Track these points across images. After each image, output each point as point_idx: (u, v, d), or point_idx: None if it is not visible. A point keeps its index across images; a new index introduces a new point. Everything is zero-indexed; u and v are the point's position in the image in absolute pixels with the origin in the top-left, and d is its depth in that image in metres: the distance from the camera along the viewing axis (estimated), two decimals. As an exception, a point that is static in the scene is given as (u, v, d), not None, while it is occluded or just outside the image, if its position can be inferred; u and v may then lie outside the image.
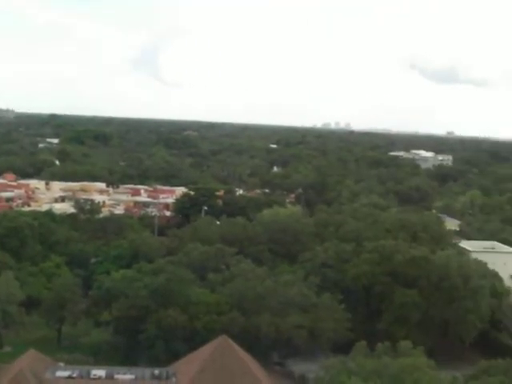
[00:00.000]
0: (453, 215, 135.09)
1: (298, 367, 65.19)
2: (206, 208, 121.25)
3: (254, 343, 62.81)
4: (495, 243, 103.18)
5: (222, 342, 57.16)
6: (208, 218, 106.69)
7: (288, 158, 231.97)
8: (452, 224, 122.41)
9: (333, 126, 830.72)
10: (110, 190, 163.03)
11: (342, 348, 57.97)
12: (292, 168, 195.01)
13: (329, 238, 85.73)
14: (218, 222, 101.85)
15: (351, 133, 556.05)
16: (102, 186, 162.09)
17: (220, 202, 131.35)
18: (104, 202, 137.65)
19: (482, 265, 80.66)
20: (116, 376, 55.00)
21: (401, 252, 74.24)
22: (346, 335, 65.25)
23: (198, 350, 58.25)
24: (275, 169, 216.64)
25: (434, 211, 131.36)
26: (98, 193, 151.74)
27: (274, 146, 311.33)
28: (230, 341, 57.35)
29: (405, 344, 49.54)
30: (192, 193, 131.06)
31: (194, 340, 61.96)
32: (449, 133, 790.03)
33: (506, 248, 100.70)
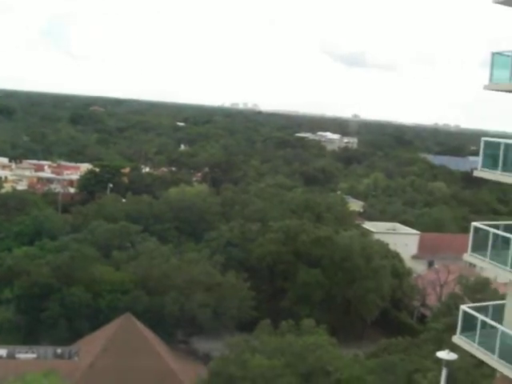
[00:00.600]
0: (357, 197, 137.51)
1: (203, 345, 65.32)
2: (111, 185, 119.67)
3: (158, 322, 62.52)
4: (397, 225, 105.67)
5: (126, 320, 56.76)
6: (113, 195, 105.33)
7: (195, 137, 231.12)
8: (356, 205, 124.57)
9: (241, 105, 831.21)
10: (13, 165, 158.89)
11: (247, 326, 58.34)
12: (199, 147, 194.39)
13: (235, 217, 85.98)
14: (123, 200, 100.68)
15: (259, 113, 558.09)
16: (3, 160, 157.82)
17: (126, 179, 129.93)
18: (6, 178, 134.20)
19: (384, 245, 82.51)
20: (17, 355, 53.91)
21: (305, 232, 75.11)
22: (251, 314, 65.68)
23: (101, 329, 57.65)
24: (182, 147, 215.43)
25: (338, 192, 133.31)
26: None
27: (182, 124, 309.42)
28: (134, 319, 56.98)
29: (308, 322, 50.21)
30: (97, 169, 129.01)
31: (97, 318, 61.17)
32: (354, 115, 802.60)
33: (407, 229, 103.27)
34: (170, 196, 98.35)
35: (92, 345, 55.69)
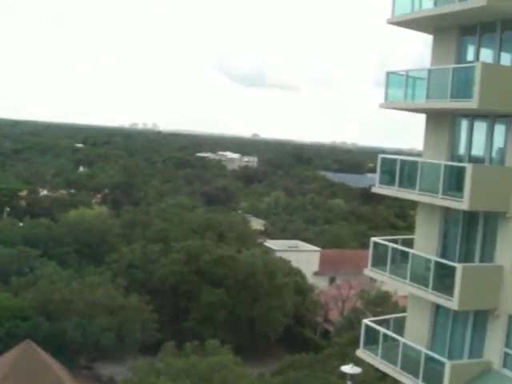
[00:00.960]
0: (258, 215, 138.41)
1: (106, 370, 64.20)
2: (8, 209, 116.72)
3: (60, 348, 61.10)
4: (298, 242, 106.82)
5: (26, 347, 55.16)
6: (10, 219, 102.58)
7: (94, 158, 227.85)
8: (257, 224, 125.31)
9: (140, 126, 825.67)
10: None
11: (150, 349, 57.70)
12: (98, 168, 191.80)
13: (136, 239, 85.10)
14: (21, 224, 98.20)
15: (158, 133, 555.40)
16: None
17: (23, 202, 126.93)
18: None
19: (287, 263, 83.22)
20: None
21: (208, 251, 75.02)
22: (154, 336, 65.03)
23: (0, 357, 55.92)
24: (81, 168, 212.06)
25: (239, 211, 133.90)
26: None
27: (80, 145, 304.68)
28: (35, 345, 55.44)
29: (212, 343, 50.09)
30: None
31: (-5, 347, 59.35)
32: (254, 135, 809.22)
33: (308, 246, 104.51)
34: (70, 219, 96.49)
35: (-9, 374, 53.89)
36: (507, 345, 24.93)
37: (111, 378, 60.54)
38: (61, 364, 57.63)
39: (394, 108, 29.51)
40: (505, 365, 25.02)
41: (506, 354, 24.92)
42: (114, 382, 55.65)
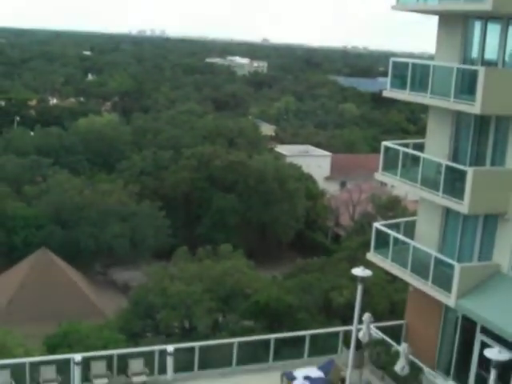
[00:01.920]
0: (268, 121, 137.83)
1: (121, 275, 65.26)
2: (18, 119, 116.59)
3: (74, 255, 62.09)
4: (309, 147, 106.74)
5: (42, 254, 56.12)
6: (21, 128, 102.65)
7: (103, 66, 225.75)
8: (268, 129, 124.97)
9: (148, 32, 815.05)
10: None
11: (164, 255, 58.47)
12: (107, 76, 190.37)
13: (147, 146, 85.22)
14: (32, 133, 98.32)
15: (167, 40, 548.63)
16: None
17: (33, 112, 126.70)
18: None
19: (298, 168, 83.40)
20: None
21: (218, 157, 75.16)
22: (167, 242, 65.86)
23: (17, 265, 56.89)
24: (90, 77, 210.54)
25: (250, 117, 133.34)
26: None
27: (88, 53, 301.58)
28: (50, 253, 56.38)
29: (225, 247, 50.64)
30: (2, 103, 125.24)
31: (12, 255, 60.31)
32: (264, 40, 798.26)
33: (319, 151, 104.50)
34: (80, 127, 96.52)
35: (9, 281, 54.98)
36: (516, 242, 25.11)
37: (126, 284, 61.58)
38: (76, 270, 58.68)
39: (407, 10, 28.89)
40: (514, 267, 25.27)
41: (516, 257, 25.15)
42: (129, 287, 56.60)
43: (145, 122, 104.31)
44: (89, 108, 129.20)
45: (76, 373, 27.26)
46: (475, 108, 24.34)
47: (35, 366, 27.50)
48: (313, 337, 31.05)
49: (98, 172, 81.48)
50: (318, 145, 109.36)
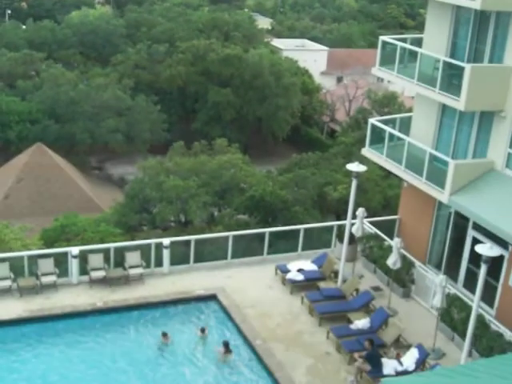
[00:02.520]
0: (264, 14, 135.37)
1: (117, 170, 65.58)
2: (9, 12, 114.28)
3: (70, 150, 62.15)
4: (306, 41, 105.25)
5: (37, 149, 56.19)
6: (13, 22, 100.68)
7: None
8: (264, 22, 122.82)
9: None
10: None
11: (159, 150, 58.60)
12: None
13: (141, 39, 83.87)
14: (23, 27, 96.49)
15: None
16: None
17: (25, 4, 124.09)
18: None
19: (294, 62, 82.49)
20: None
21: (214, 51, 74.22)
22: (163, 136, 65.82)
23: (13, 160, 57.01)
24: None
25: (246, 10, 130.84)
26: None
27: None
28: (46, 148, 56.43)
29: (220, 142, 50.72)
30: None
31: (8, 151, 60.32)
32: None
33: (316, 45, 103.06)
34: (73, 20, 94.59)
35: (5, 176, 55.21)
36: (511, 145, 25.15)
37: (122, 178, 61.93)
38: (72, 165, 58.87)
39: None
40: (508, 165, 25.35)
41: (510, 155, 25.20)
42: (125, 181, 56.95)
43: (139, 14, 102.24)
44: (81, 0, 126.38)
45: (73, 266, 27.73)
46: (475, 3, 23.97)
47: (33, 260, 27.95)
48: (307, 231, 31.48)
49: (93, 66, 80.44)
50: (314, 39, 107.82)
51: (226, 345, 23.84)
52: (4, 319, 25.34)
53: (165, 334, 24.71)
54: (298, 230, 31.34)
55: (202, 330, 25.33)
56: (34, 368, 23.21)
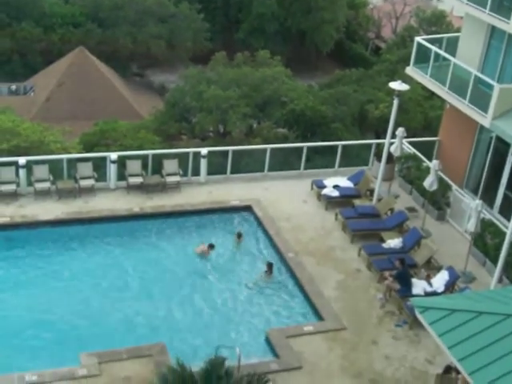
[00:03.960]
0: None
1: (158, 78, 65.30)
2: None
3: (111, 55, 61.94)
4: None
5: (79, 53, 56.05)
6: None
7: None
8: None
9: None
10: None
11: (201, 59, 58.08)
12: None
13: None
14: None
15: None
16: None
17: None
18: None
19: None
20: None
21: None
22: (205, 45, 65.23)
23: (55, 63, 57.02)
24: None
25: None
26: None
27: None
28: (88, 52, 56.27)
29: (263, 53, 50.09)
30: None
31: (50, 53, 60.23)
32: None
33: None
34: None
35: (47, 79, 55.32)
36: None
37: (162, 86, 61.74)
38: (113, 70, 58.81)
39: None
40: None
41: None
42: (166, 89, 56.77)
43: None
44: None
45: (112, 171, 28.08)
46: None
47: (72, 163, 28.33)
48: (345, 148, 31.41)
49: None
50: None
51: (270, 266, 24.10)
52: (42, 220, 25.89)
53: (212, 246, 24.93)
54: (336, 147, 31.25)
55: (239, 235, 25.75)
56: (71, 269, 23.80)
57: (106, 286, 23.02)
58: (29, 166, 27.33)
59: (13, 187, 26.91)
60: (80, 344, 20.03)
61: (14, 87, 54.15)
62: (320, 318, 21.89)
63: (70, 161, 28.38)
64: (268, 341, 20.68)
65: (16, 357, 19.46)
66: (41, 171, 27.35)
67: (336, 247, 25.53)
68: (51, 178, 27.41)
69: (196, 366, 14.76)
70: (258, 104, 42.44)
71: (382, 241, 25.40)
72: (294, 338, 20.67)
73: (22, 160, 27.12)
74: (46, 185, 27.29)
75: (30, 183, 27.37)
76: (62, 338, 20.42)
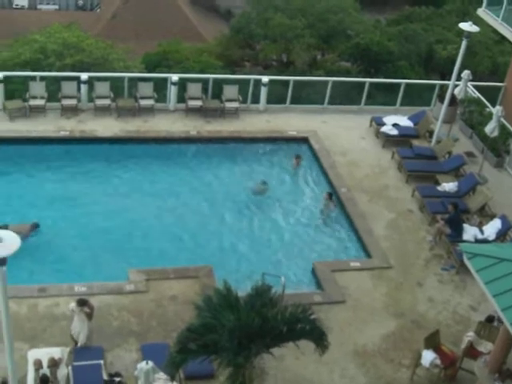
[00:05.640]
0: None
1: (224, 2, 64.43)
2: None
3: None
4: None
5: None
6: None
7: None
8: None
9: None
10: None
11: None
12: None
13: None
14: None
15: None
16: None
17: None
18: None
19: None
20: (39, 6, 53.65)
21: None
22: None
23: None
24: None
25: None
26: None
27: None
28: None
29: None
30: None
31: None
32: None
33: None
34: None
35: None
36: None
37: (228, 10, 61.03)
38: None
39: None
40: None
41: None
42: (232, 14, 56.20)
43: None
44: None
45: (172, 92, 28.17)
46: None
47: (133, 82, 28.48)
48: (408, 86, 30.87)
49: None
50: None
51: (330, 195, 24.14)
52: (100, 136, 26.22)
53: (264, 183, 25.02)
54: (399, 84, 30.77)
55: (297, 157, 25.87)
56: (125, 187, 24.17)
57: (159, 206, 23.32)
58: (91, 82, 27.57)
59: (74, 102, 27.25)
60: (130, 260, 20.46)
61: (81, 2, 54.29)
62: (367, 255, 21.93)
63: (131, 79, 28.54)
64: (314, 273, 20.84)
65: (67, 268, 20.01)
66: (102, 88, 27.58)
67: (390, 186, 25.38)
68: (112, 95, 27.63)
69: (242, 291, 14.95)
70: (322, 35, 41.88)
71: (437, 183, 25.13)
72: (339, 273, 20.78)
73: (84, 76, 27.38)
74: (107, 102, 27.54)
75: (90, 99, 27.65)
76: (114, 252, 20.88)
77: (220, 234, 22.39)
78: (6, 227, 18.63)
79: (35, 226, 21.06)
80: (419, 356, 17.25)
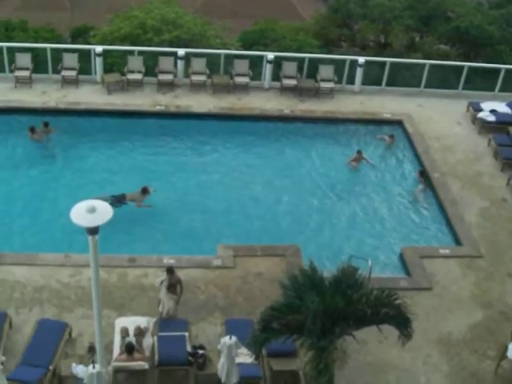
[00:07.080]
0: None
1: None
2: None
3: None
4: None
5: None
6: None
7: None
8: None
9: None
10: None
11: None
12: None
13: None
14: None
15: None
16: None
17: None
18: None
19: None
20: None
21: None
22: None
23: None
24: None
25: None
26: None
27: None
28: None
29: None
30: None
31: None
32: None
33: None
34: None
35: None
36: None
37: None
38: None
39: None
40: None
41: None
42: None
43: None
44: None
45: (267, 70, 28.30)
46: None
47: (230, 59, 28.68)
48: (508, 72, 30.04)
49: None
50: None
51: (422, 173, 23.91)
52: (195, 112, 26.54)
53: (360, 151, 24.81)
54: (499, 70, 29.98)
55: (391, 136, 25.72)
56: (218, 163, 24.44)
57: (251, 183, 23.47)
58: (187, 58, 27.91)
59: (170, 77, 27.68)
60: (219, 236, 20.69)
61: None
62: (458, 242, 21.52)
63: (227, 57, 28.75)
64: (401, 258, 20.63)
65: (156, 240, 20.41)
66: (198, 64, 27.89)
67: (484, 173, 24.81)
68: (208, 71, 27.90)
69: (327, 272, 14.92)
70: (421, 17, 41.11)
71: (535, 176, 24.44)
72: (428, 259, 20.47)
73: (181, 51, 27.73)
74: (202, 78, 27.84)
75: (186, 75, 27.99)
76: (203, 227, 21.16)
77: (309, 214, 22.36)
78: (123, 196, 20.84)
79: (147, 192, 21.51)
80: (505, 348, 16.85)
